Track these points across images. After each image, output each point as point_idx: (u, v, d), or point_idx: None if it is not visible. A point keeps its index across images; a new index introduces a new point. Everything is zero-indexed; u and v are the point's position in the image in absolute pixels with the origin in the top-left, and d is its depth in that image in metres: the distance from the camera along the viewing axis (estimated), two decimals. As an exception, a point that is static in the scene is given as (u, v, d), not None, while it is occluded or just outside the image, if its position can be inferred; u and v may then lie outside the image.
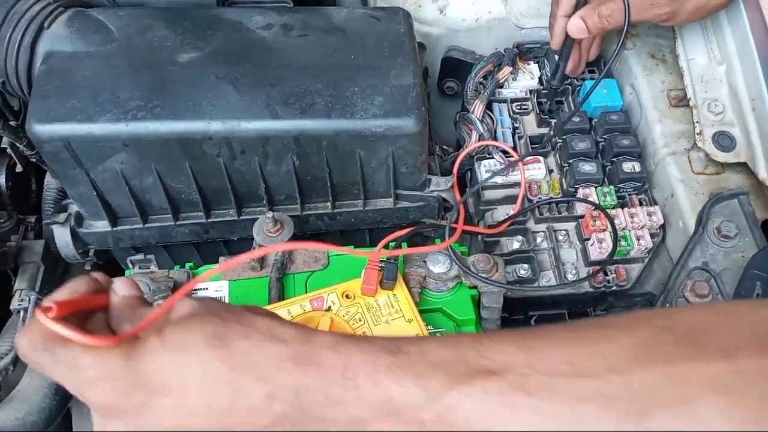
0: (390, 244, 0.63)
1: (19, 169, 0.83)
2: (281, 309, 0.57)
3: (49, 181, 0.83)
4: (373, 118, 0.64)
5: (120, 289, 0.43)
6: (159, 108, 0.63)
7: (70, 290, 0.42)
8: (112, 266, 0.80)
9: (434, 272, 0.62)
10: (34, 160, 0.79)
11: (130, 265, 0.65)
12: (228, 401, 0.36)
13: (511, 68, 0.80)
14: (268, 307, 0.58)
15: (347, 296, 0.59)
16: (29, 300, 0.71)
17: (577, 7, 0.71)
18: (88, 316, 0.41)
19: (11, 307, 0.71)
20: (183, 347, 0.37)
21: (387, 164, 0.68)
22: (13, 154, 0.81)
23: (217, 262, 0.68)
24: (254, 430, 0.37)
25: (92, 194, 0.68)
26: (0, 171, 0.82)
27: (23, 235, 0.78)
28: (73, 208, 0.72)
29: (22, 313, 0.71)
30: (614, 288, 0.71)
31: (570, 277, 0.71)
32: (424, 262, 0.63)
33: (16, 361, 0.71)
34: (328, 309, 0.58)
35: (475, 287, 0.64)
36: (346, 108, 0.65)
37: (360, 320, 0.58)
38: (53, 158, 0.64)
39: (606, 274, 0.71)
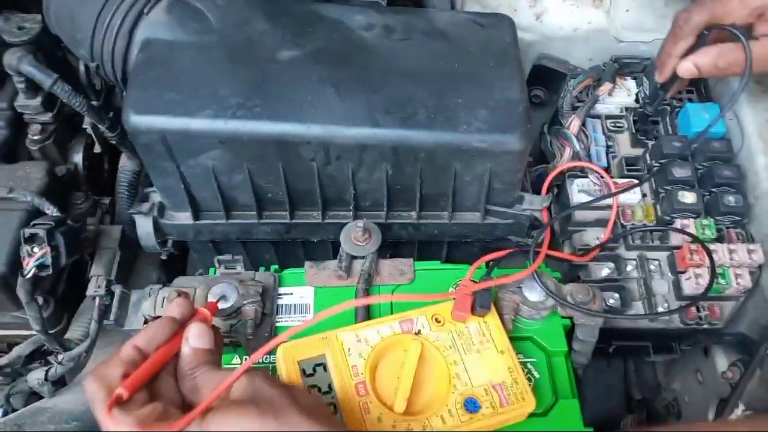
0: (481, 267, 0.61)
1: (97, 149, 0.82)
2: (371, 328, 0.56)
3: (125, 164, 0.83)
4: (476, 133, 0.62)
5: (193, 339, 0.48)
6: (259, 108, 0.61)
7: (148, 338, 0.47)
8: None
9: (530, 300, 0.60)
10: (114, 142, 0.78)
11: (217, 265, 0.64)
12: None
13: (612, 85, 0.77)
14: (358, 325, 0.56)
15: (437, 320, 0.57)
16: (106, 286, 0.71)
17: (692, 49, 0.67)
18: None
19: (87, 293, 0.71)
20: None
21: (482, 180, 0.66)
22: (93, 135, 0.80)
23: (294, 263, 0.67)
24: None
25: (179, 187, 0.67)
26: (77, 150, 0.81)
27: (100, 218, 0.78)
28: (156, 197, 0.71)
29: (97, 299, 0.70)
30: (706, 326, 0.68)
31: (660, 309, 0.68)
32: (519, 288, 0.61)
33: (92, 348, 0.70)
34: (418, 332, 0.57)
35: (569, 317, 0.62)
36: (448, 120, 0.62)
37: (450, 347, 0.56)
38: (146, 149, 0.63)
39: (698, 311, 0.68)
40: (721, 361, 0.77)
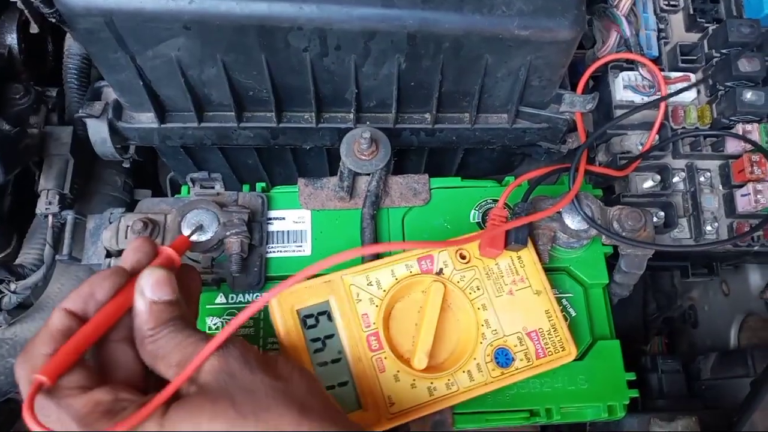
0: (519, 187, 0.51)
1: (34, 29, 0.66)
2: (384, 269, 0.46)
3: (71, 45, 0.68)
4: (517, 17, 0.48)
5: (149, 290, 0.37)
6: (234, -19, 0.46)
7: (83, 297, 0.36)
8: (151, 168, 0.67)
9: (571, 228, 0.50)
10: (54, 20, 0.62)
11: (190, 183, 0.53)
12: None
13: (672, -50, 0.62)
14: (368, 265, 0.46)
15: (462, 257, 0.48)
16: (57, 202, 0.59)
17: None
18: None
19: (37, 211, 0.59)
20: None
21: (517, 75, 0.53)
22: (26, 11, 0.64)
23: (282, 170, 0.55)
24: None
25: (137, 83, 0.53)
26: (9, 30, 0.65)
27: (45, 117, 0.64)
28: (110, 94, 0.57)
29: (50, 218, 0.59)
30: (757, 248, 0.60)
31: (708, 229, 0.59)
32: (559, 213, 0.51)
33: (49, 274, 0.60)
34: (440, 272, 0.47)
35: (610, 245, 0.53)
36: (483, 0, 0.48)
37: (478, 289, 0.47)
38: (89, 38, 0.48)
39: (752, 230, 0.59)
40: (755, 276, 0.71)
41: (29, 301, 0.63)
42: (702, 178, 0.60)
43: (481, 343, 0.45)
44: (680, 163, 0.61)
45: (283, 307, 0.44)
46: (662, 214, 0.59)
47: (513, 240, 0.47)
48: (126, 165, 0.63)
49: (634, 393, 0.49)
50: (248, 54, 0.50)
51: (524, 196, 0.50)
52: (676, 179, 0.60)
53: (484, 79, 0.54)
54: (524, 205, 0.49)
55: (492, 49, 0.51)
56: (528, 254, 0.49)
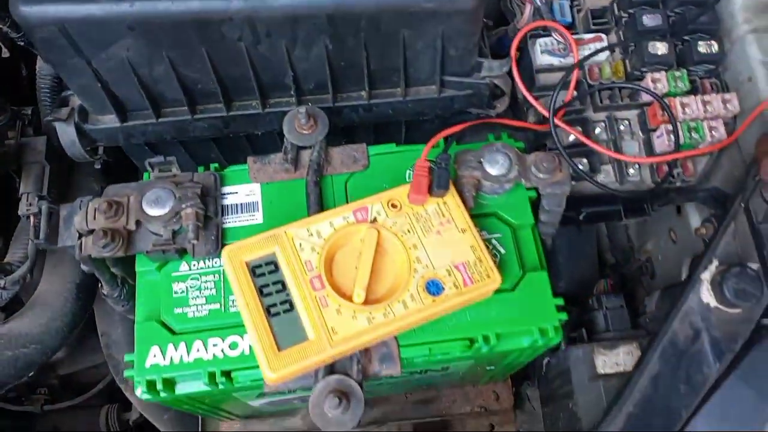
0: (440, 142, 0.56)
1: (5, 54, 0.73)
2: (323, 221, 0.52)
3: (42, 67, 0.74)
4: (422, -8, 0.54)
5: None
6: (168, -18, 0.53)
7: None
8: (126, 164, 0.73)
9: (492, 174, 0.56)
10: (22, 43, 0.69)
11: (149, 168, 0.59)
12: None
13: (572, -74, 0.68)
14: (309, 218, 0.52)
15: (393, 205, 0.53)
16: (38, 204, 0.65)
17: None
18: None
19: (20, 213, 0.65)
20: None
21: (434, 47, 0.59)
22: (-4, 37, 0.71)
23: (240, 160, 0.61)
24: None
25: (96, 86, 0.59)
26: (-17, 56, 0.72)
27: (21, 131, 0.70)
28: (76, 101, 0.64)
29: (32, 218, 0.65)
30: (679, 183, 0.65)
31: (632, 171, 0.64)
32: (480, 162, 0.56)
33: (34, 267, 0.66)
34: (374, 220, 0.52)
35: (534, 188, 0.58)
36: (390, -21, 0.54)
37: (409, 231, 0.52)
38: (47, 46, 0.55)
39: (672, 168, 0.64)
40: (695, 217, 0.75)
41: (20, 297, 0.69)
42: (622, 127, 0.66)
43: (413, 276, 0.51)
44: (601, 116, 0.67)
45: (233, 260, 0.50)
46: (585, 160, 0.64)
47: (436, 186, 0.53)
48: (98, 166, 0.69)
49: (563, 316, 0.54)
50: (190, 48, 0.57)
51: (444, 149, 0.55)
52: (598, 130, 0.66)
53: (405, 53, 0.60)
54: (443, 156, 0.54)
55: (406, 24, 0.57)
56: (452, 199, 0.54)
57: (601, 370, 0.62)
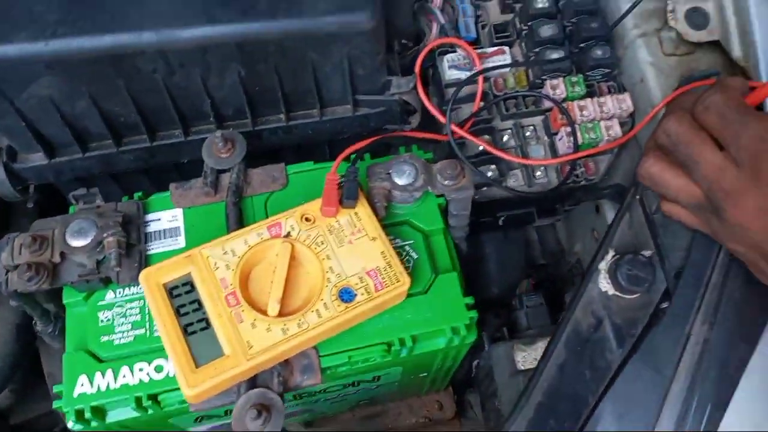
0: (350, 157, 0.60)
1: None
2: (238, 239, 0.54)
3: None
4: (323, 15, 0.58)
5: None
6: (81, 21, 0.56)
7: None
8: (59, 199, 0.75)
9: (399, 184, 0.59)
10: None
11: (74, 201, 0.61)
12: None
13: (470, -52, 0.73)
14: (224, 237, 0.55)
15: (307, 219, 0.56)
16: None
17: None
18: None
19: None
20: None
21: (342, 68, 0.63)
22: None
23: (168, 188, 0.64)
24: None
25: (20, 125, 0.61)
26: None
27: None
28: (3, 141, 0.66)
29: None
30: (583, 182, 0.69)
31: (538, 174, 0.68)
32: (389, 174, 0.60)
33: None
34: (288, 235, 0.55)
35: (442, 195, 0.62)
36: (292, 6, 0.58)
37: (322, 243, 0.55)
38: (-35, 89, 0.57)
39: (575, 168, 0.69)
40: (611, 214, 0.80)
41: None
42: (528, 132, 0.70)
43: (326, 286, 0.53)
44: (508, 123, 0.71)
45: (150, 283, 0.52)
46: (494, 166, 0.68)
47: (345, 197, 0.56)
48: (30, 205, 0.71)
49: (473, 314, 0.57)
50: (108, 83, 0.59)
51: (352, 163, 0.59)
52: (506, 138, 0.70)
53: (316, 75, 0.63)
54: (351, 169, 0.58)
55: (311, 47, 0.60)
56: (363, 209, 0.57)
57: (521, 366, 0.65)
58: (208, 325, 0.51)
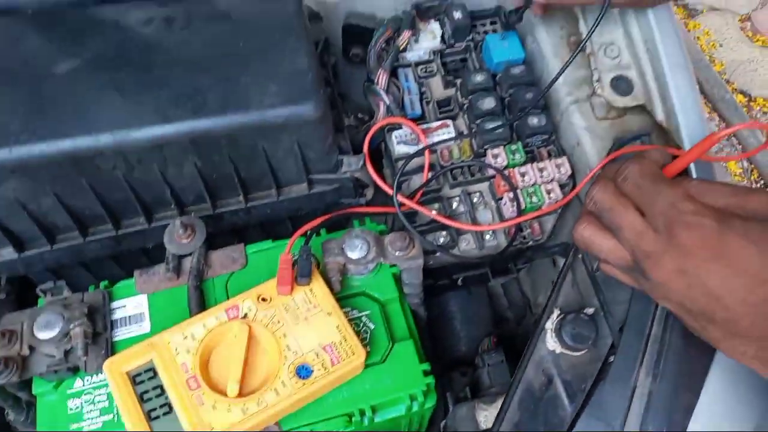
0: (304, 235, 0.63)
1: None
2: (197, 324, 0.57)
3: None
4: (270, 108, 0.62)
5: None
6: (42, 128, 0.59)
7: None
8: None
9: (352, 258, 0.63)
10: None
11: (41, 295, 0.63)
12: (761, 299, 0.47)
13: (410, 32, 0.79)
14: (184, 323, 0.57)
15: (263, 299, 0.59)
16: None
17: None
18: None
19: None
20: (758, 246, 0.46)
21: (294, 152, 0.67)
22: None
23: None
24: None
25: (-11, 224, 0.65)
26: None
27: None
28: (-27, 239, 0.68)
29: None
30: (531, 243, 0.73)
31: (487, 237, 0.72)
32: (342, 249, 0.63)
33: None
34: (245, 316, 0.58)
35: (394, 265, 0.65)
36: (240, 101, 0.62)
37: (279, 322, 0.58)
38: (-65, 195, 0.60)
39: (522, 230, 0.72)
40: (567, 269, 0.83)
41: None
42: (475, 198, 0.74)
43: (284, 364, 0.56)
44: (457, 191, 0.75)
45: (114, 372, 0.54)
46: (445, 232, 0.72)
47: (299, 276, 0.59)
48: (2, 296, 0.73)
49: (430, 380, 0.59)
50: (71, 181, 0.63)
51: (305, 240, 0.62)
52: (455, 204, 0.74)
53: (269, 161, 0.67)
54: (304, 248, 0.61)
55: (261, 137, 0.64)
56: (318, 285, 0.60)
57: (483, 425, 0.67)
58: (170, 409, 0.53)
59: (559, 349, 0.60)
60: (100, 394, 0.59)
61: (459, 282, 0.78)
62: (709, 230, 0.48)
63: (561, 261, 0.84)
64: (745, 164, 2.20)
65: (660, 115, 0.70)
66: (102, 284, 0.65)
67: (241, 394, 0.54)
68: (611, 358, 0.61)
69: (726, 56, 2.23)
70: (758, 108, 2.25)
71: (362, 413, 0.58)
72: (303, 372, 0.56)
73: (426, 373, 0.60)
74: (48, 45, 0.65)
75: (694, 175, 0.63)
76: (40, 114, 0.60)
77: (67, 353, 0.59)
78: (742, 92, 2.26)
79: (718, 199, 0.51)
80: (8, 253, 0.69)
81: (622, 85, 0.73)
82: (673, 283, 0.50)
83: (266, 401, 0.54)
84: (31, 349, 0.59)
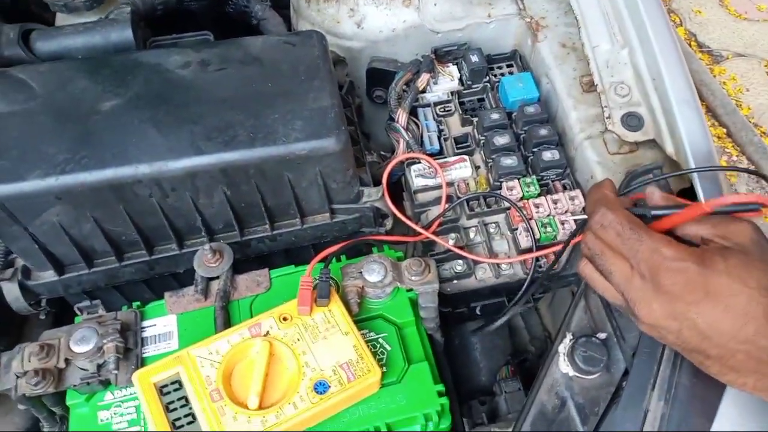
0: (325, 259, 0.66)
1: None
2: (221, 340, 0.60)
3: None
4: (295, 142, 0.67)
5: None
6: (86, 158, 0.65)
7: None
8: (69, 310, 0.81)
9: (370, 281, 0.65)
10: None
11: (78, 312, 0.67)
12: (751, 335, 0.48)
13: (429, 74, 0.84)
14: (209, 339, 0.60)
15: (284, 319, 0.62)
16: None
17: None
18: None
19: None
20: (741, 281, 0.48)
21: (317, 183, 0.71)
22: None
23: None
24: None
25: (34, 247, 0.70)
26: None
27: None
28: (20, 261, 0.74)
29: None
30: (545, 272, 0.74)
31: (504, 266, 0.74)
32: (360, 273, 0.66)
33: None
34: (266, 333, 0.61)
35: (411, 289, 0.67)
36: (268, 136, 0.67)
37: (299, 340, 0.61)
38: (-11, 219, 0.66)
39: (537, 260, 0.74)
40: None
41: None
42: (492, 229, 0.77)
43: (303, 379, 0.58)
44: (474, 222, 0.78)
45: (143, 383, 0.57)
46: (461, 261, 0.74)
47: (318, 296, 0.62)
48: (42, 317, 0.78)
49: (444, 401, 0.61)
50: (110, 208, 0.68)
51: (325, 264, 0.65)
52: (472, 234, 0.77)
53: (294, 191, 0.72)
54: (324, 271, 0.64)
55: (287, 168, 0.69)
56: (336, 306, 0.63)
57: (498, 450, 0.67)
58: (194, 419, 0.56)
59: (572, 372, 0.61)
60: (128, 407, 0.62)
61: (477, 311, 0.79)
62: (693, 273, 0.49)
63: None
64: None
65: (669, 148, 0.72)
66: (135, 304, 0.69)
67: (261, 407, 0.56)
68: (624, 383, 0.62)
69: (753, 100, 2.24)
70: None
71: (377, 430, 0.59)
72: (320, 387, 0.58)
73: (441, 394, 0.61)
74: (94, 86, 0.71)
75: (701, 196, 0.65)
76: (85, 146, 0.66)
77: (99, 367, 0.63)
78: (771, 135, 2.26)
79: (700, 231, 0.52)
80: (50, 275, 0.74)
81: (632, 120, 0.76)
82: (664, 325, 0.51)
83: (285, 414, 0.56)
84: (67, 362, 0.63)
